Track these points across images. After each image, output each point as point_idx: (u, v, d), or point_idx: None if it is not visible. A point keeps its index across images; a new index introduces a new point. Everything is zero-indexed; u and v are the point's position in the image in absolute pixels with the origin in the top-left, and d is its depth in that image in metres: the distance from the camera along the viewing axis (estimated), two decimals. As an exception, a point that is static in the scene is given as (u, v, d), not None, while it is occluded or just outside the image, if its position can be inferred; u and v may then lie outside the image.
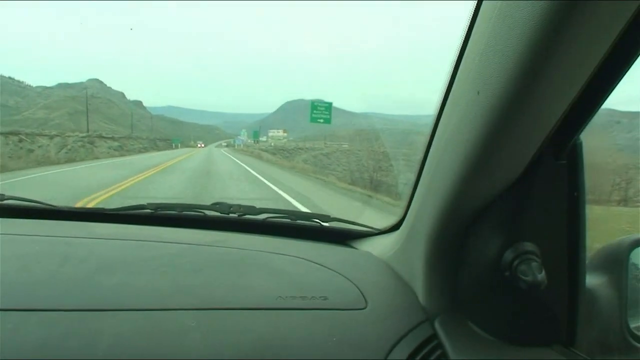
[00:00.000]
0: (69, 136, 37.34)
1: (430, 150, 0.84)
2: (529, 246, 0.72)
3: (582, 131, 0.69)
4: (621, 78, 0.61)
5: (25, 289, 0.81)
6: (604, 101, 0.64)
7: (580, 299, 0.76)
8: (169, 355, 0.68)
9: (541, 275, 0.69)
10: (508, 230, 0.74)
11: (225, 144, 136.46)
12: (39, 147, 30.71)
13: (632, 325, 0.86)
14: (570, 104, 0.62)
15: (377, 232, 1.35)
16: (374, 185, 16.95)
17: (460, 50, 0.71)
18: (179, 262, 0.99)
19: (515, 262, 0.71)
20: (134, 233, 1.25)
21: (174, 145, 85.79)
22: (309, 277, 0.99)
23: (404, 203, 1.07)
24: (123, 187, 10.79)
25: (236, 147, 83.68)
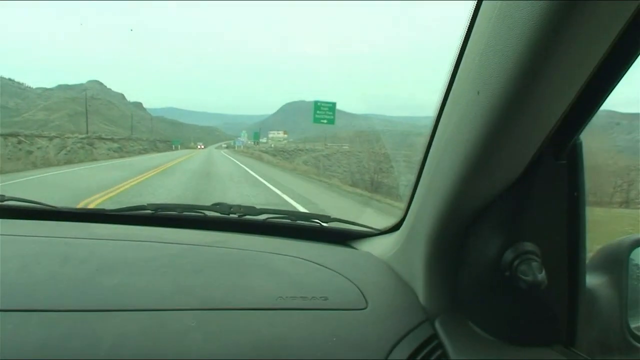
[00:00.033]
0: (68, 138, 37.34)
1: (431, 150, 0.84)
2: (529, 246, 0.72)
3: (582, 131, 0.70)
4: (621, 78, 0.61)
5: (26, 289, 0.81)
6: (604, 101, 0.64)
7: (581, 299, 0.76)
8: (170, 355, 0.68)
9: (541, 275, 0.69)
10: (508, 230, 0.74)
11: (225, 145, 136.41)
12: (38, 148, 30.69)
13: (633, 325, 0.86)
14: (570, 104, 0.62)
15: (377, 232, 1.35)
16: (374, 186, 16.93)
17: (460, 50, 0.71)
18: (180, 263, 1.00)
19: (516, 262, 0.71)
20: (135, 234, 1.25)
21: (173, 146, 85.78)
22: (309, 278, 0.99)
23: (405, 203, 1.07)
24: (121, 189, 10.77)
25: (236, 148, 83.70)
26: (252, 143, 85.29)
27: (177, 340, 0.71)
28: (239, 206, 1.46)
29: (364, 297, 0.91)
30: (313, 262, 1.07)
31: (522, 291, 0.71)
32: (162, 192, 10.82)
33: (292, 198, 10.37)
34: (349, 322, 0.82)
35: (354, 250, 1.34)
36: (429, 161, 0.85)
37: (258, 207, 1.48)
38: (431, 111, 0.84)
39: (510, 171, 0.70)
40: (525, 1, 0.53)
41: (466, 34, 0.69)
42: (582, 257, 0.76)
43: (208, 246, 1.13)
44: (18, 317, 0.71)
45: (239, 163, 29.45)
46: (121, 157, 38.37)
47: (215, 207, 1.46)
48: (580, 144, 0.73)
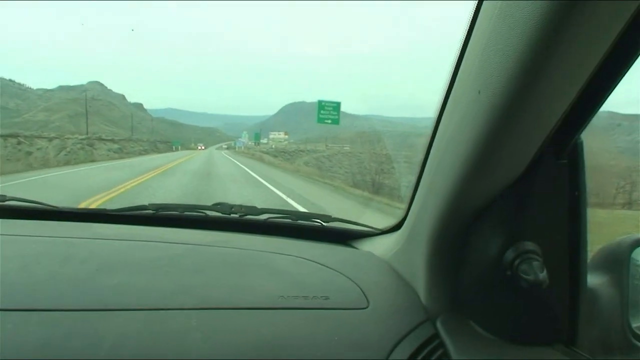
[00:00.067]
0: (68, 138, 37.34)
1: (432, 149, 0.84)
2: (530, 245, 0.72)
3: (582, 130, 0.70)
4: (621, 78, 0.61)
5: (26, 289, 0.81)
6: (605, 101, 0.64)
7: (582, 298, 0.76)
8: (171, 355, 0.68)
9: (542, 275, 0.69)
10: (509, 230, 0.74)
11: (225, 146, 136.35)
12: (38, 149, 30.66)
13: (634, 324, 0.86)
14: (570, 104, 0.63)
15: (378, 232, 1.35)
16: (375, 187, 16.89)
17: (461, 49, 0.71)
18: (181, 263, 1.00)
19: (517, 262, 0.71)
20: (136, 233, 1.25)
21: (174, 147, 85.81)
22: (311, 277, 0.99)
23: (406, 203, 1.07)
24: (121, 190, 10.75)
25: (237, 149, 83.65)
26: (253, 144, 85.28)
27: (178, 339, 0.71)
28: (240, 206, 1.46)
29: (365, 296, 0.91)
30: (314, 262, 1.07)
31: (523, 290, 0.71)
32: (162, 193, 10.80)
33: (298, 203, 10.13)
34: (350, 322, 0.82)
35: (355, 250, 1.34)
36: (430, 160, 0.85)
37: (259, 207, 1.48)
38: (431, 112, 0.85)
39: (511, 170, 0.71)
40: (526, 1, 0.53)
41: (467, 33, 0.69)
42: (583, 256, 0.76)
43: (209, 246, 1.13)
44: (18, 317, 0.71)
45: (239, 164, 29.42)
46: (121, 158, 38.35)
47: (216, 207, 1.47)
48: (581, 143, 0.73)
